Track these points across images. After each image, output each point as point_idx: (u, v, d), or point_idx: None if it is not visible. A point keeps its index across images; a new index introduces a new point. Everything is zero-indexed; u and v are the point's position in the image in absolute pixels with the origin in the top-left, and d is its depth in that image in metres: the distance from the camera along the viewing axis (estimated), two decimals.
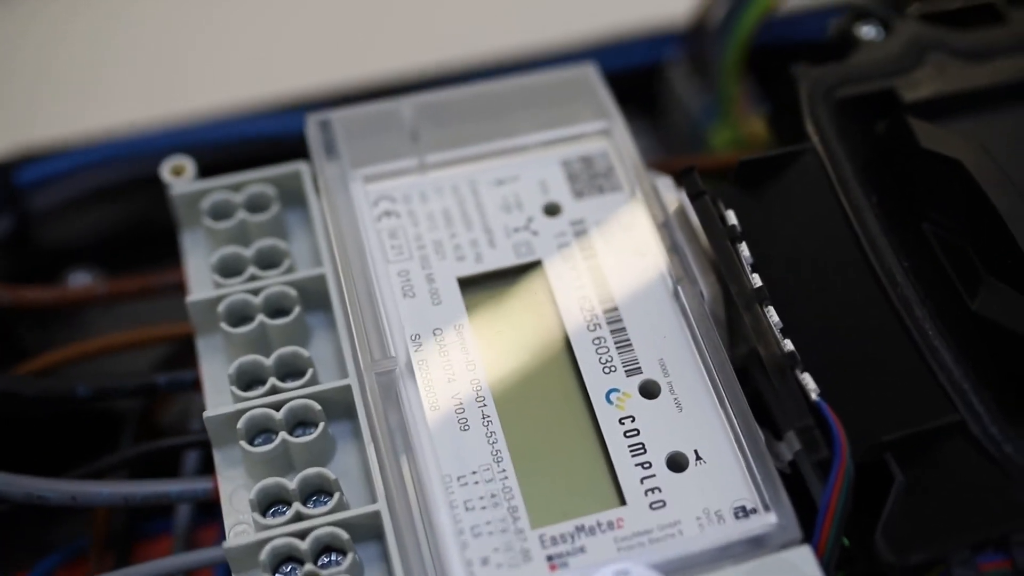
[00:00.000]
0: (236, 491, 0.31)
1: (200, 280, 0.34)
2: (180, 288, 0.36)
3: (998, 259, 0.31)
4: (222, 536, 0.34)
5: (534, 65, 0.41)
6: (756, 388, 0.32)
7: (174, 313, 0.36)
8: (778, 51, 0.42)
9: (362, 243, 0.33)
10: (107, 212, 0.43)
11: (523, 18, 0.53)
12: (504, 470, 0.30)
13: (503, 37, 0.47)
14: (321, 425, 0.31)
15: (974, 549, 0.28)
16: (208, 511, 0.36)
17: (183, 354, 0.38)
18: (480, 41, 0.47)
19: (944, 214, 0.32)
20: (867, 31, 0.36)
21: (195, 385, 0.34)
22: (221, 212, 0.34)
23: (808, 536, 0.29)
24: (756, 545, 0.28)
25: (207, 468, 0.34)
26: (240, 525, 0.31)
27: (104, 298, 0.36)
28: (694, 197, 0.32)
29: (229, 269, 0.33)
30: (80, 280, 0.42)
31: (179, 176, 0.35)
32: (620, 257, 0.33)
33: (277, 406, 0.31)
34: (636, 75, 0.47)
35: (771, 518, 0.29)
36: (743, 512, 0.29)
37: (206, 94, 0.45)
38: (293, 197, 0.35)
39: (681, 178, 0.33)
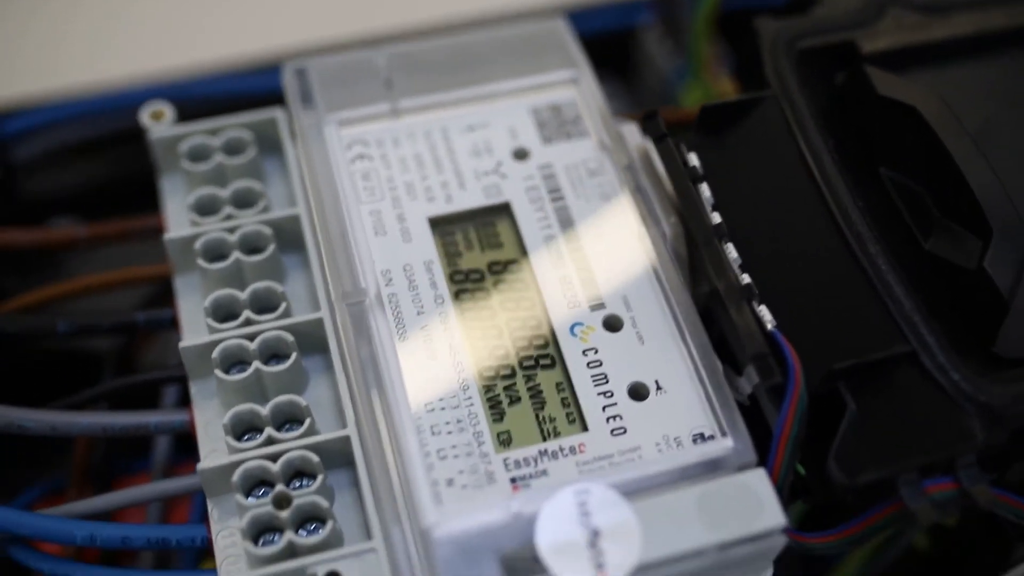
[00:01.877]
0: (211, 421, 0.32)
1: (178, 221, 0.35)
2: (159, 232, 0.37)
3: (951, 201, 0.32)
4: None
5: None
6: (719, 327, 0.33)
7: (152, 258, 0.37)
8: (746, 13, 0.44)
9: (335, 184, 0.33)
10: (88, 164, 0.44)
11: None
12: (470, 397, 0.31)
13: (478, 1, 0.48)
14: (294, 355, 0.32)
15: (922, 472, 0.29)
16: (185, 448, 0.37)
17: (162, 296, 0.40)
18: (455, 4, 0.48)
19: (900, 159, 0.34)
20: None
21: (173, 323, 0.35)
22: (199, 155, 0.35)
23: (763, 462, 0.30)
24: (712, 468, 0.29)
25: (185, 404, 0.35)
26: (214, 453, 0.32)
27: (85, 241, 0.37)
28: (657, 140, 0.33)
29: (206, 209, 0.34)
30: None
31: (158, 121, 0.36)
32: (586, 199, 0.34)
33: (251, 337, 0.32)
34: (610, 39, 0.48)
35: (727, 443, 0.30)
36: (701, 438, 0.30)
37: (186, 51, 0.46)
38: (269, 143, 0.36)
39: (643, 122, 0.34)
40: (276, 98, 0.37)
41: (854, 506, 0.30)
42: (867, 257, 0.31)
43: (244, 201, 0.35)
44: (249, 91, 0.41)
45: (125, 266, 0.38)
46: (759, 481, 0.29)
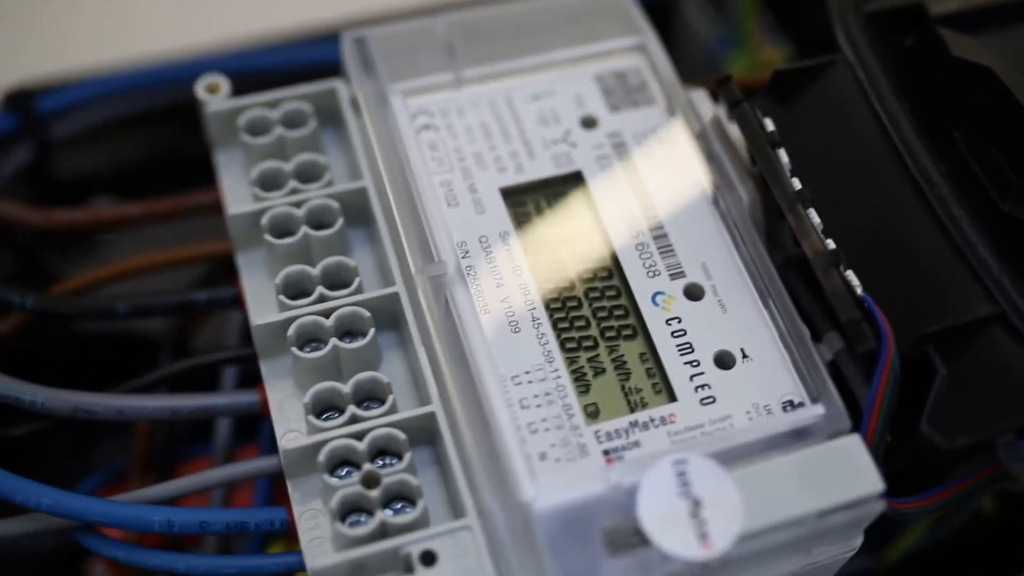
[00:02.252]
0: (285, 400, 0.31)
1: (238, 197, 0.34)
2: (212, 209, 0.36)
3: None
4: (262, 453, 0.35)
5: None
6: (793, 295, 0.32)
7: (198, 237, 0.36)
8: None
9: (404, 155, 0.33)
10: (128, 142, 0.43)
11: None
12: (556, 370, 0.30)
13: None
14: (371, 332, 0.31)
15: (1018, 434, 0.29)
16: (244, 432, 0.37)
17: (215, 276, 0.39)
18: None
19: (974, 122, 0.33)
20: None
21: (234, 302, 0.34)
22: (258, 128, 0.34)
23: (855, 428, 0.29)
24: (805, 436, 0.29)
25: (244, 385, 0.34)
26: (291, 433, 0.31)
27: (137, 219, 0.36)
28: (733, 105, 0.33)
29: (270, 183, 0.33)
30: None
31: (214, 94, 0.35)
32: (658, 167, 0.34)
33: (326, 314, 0.31)
34: (649, 7, 0.47)
35: (818, 409, 0.29)
36: (791, 406, 0.30)
37: (233, 22, 0.45)
38: (328, 115, 0.35)
39: (718, 87, 0.33)
40: (330, 71, 0.36)
41: (944, 469, 0.30)
42: (951, 220, 0.31)
43: (308, 175, 0.34)
44: (302, 63, 0.40)
45: (171, 246, 0.37)
46: (855, 447, 0.29)
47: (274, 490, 0.36)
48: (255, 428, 0.36)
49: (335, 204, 0.33)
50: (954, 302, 0.30)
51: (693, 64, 0.47)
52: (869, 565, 0.37)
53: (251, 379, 0.34)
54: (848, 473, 0.28)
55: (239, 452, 0.37)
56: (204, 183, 0.36)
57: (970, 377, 0.29)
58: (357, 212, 0.33)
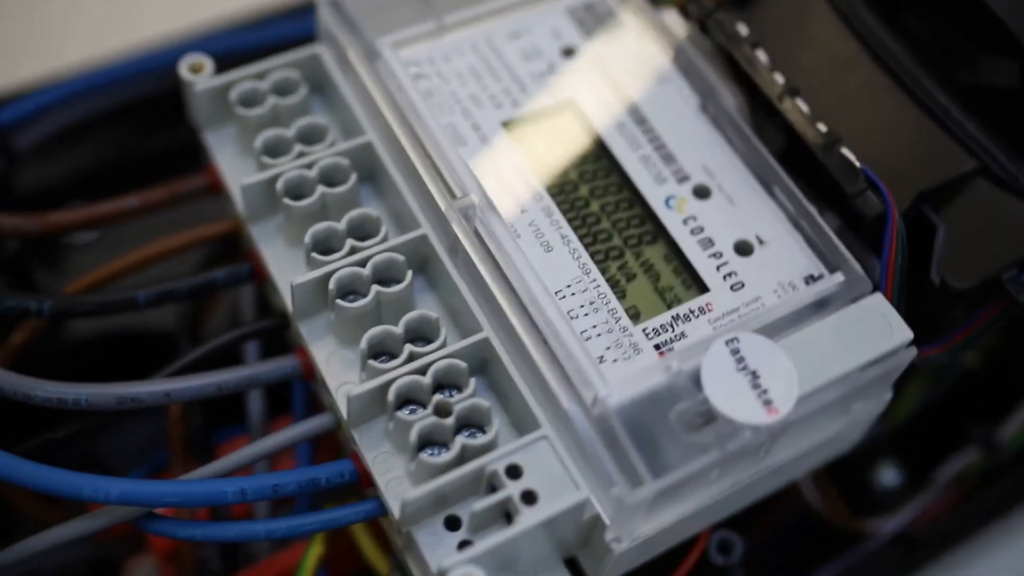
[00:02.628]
0: (331, 356, 0.32)
1: (239, 171, 0.35)
2: (206, 192, 0.36)
3: (981, 34, 0.35)
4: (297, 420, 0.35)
5: None
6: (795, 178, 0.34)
7: (182, 226, 0.36)
8: None
9: (408, 102, 0.33)
10: (90, 146, 0.42)
11: None
12: (595, 279, 0.32)
13: None
14: (409, 275, 0.32)
15: (1020, 267, 0.32)
16: (276, 406, 0.37)
17: (213, 260, 0.39)
18: None
19: (922, 6, 0.36)
20: None
21: (252, 276, 0.35)
22: (251, 100, 0.35)
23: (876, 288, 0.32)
24: (831, 303, 0.31)
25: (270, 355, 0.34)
26: (345, 385, 0.32)
27: (135, 212, 0.35)
28: (707, 16, 0.35)
29: (275, 150, 0.34)
30: None
31: (199, 73, 0.35)
32: (644, 84, 0.35)
33: (362, 263, 0.32)
34: None
35: (838, 277, 0.32)
36: (812, 279, 0.32)
37: (185, 11, 0.44)
38: (313, 82, 0.36)
39: (688, 5, 0.35)
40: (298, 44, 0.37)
41: (956, 315, 0.33)
42: (922, 91, 0.34)
43: (311, 138, 0.34)
44: (261, 44, 0.40)
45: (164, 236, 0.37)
46: (881, 304, 0.31)
47: (314, 454, 0.36)
48: (283, 403, 0.36)
49: (345, 161, 0.33)
50: (940, 162, 0.33)
51: None
52: (880, 430, 0.40)
53: (272, 351, 0.34)
54: (879, 328, 0.31)
55: (277, 423, 0.37)
56: (171, 175, 0.37)
57: (966, 226, 0.32)
58: (363, 168, 0.34)
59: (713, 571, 0.34)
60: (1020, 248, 0.32)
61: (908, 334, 0.31)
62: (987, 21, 0.34)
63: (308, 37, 0.37)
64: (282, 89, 0.35)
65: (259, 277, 0.34)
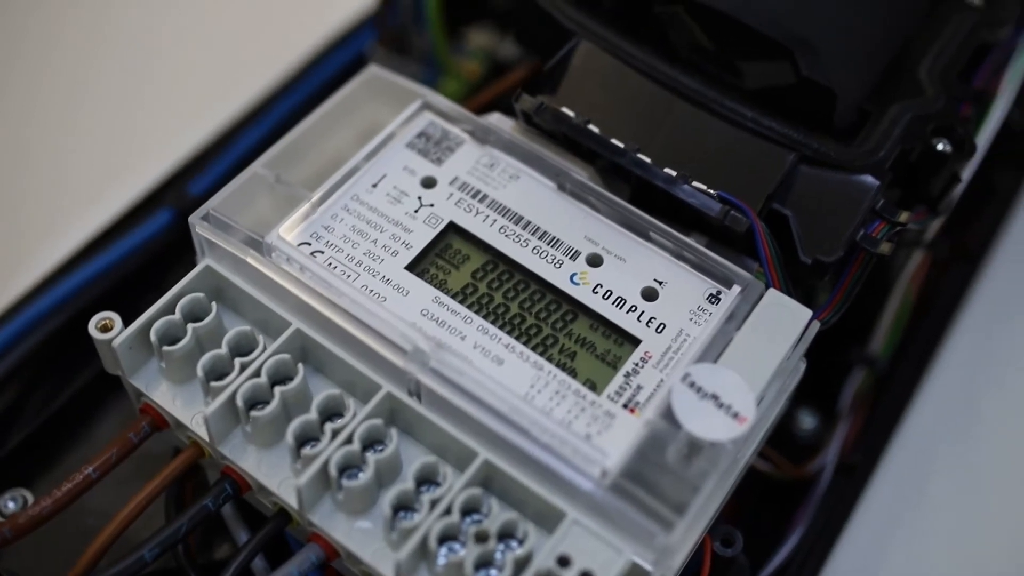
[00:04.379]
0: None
1: (183, 404, 0.36)
2: (155, 429, 0.37)
3: (751, 47, 0.41)
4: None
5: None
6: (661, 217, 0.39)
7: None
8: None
9: (319, 283, 0.36)
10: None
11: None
12: (548, 371, 0.35)
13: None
14: (393, 433, 0.34)
15: (863, 227, 0.38)
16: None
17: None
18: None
19: (694, 43, 0.42)
20: None
21: (237, 490, 0.36)
22: (172, 335, 0.36)
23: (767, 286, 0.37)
24: (740, 310, 0.36)
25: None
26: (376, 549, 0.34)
27: (97, 479, 0.36)
28: (538, 110, 0.39)
29: (218, 372, 0.35)
30: (15, 499, 0.40)
31: (109, 331, 0.36)
32: (503, 186, 0.39)
33: (348, 440, 0.34)
34: (340, 75, 0.52)
35: (735, 289, 0.37)
36: (715, 298, 0.37)
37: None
38: (216, 294, 0.37)
39: (515, 104, 0.39)
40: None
41: (832, 277, 0.39)
42: (728, 110, 0.40)
43: (244, 347, 0.36)
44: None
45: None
46: (777, 297, 0.37)
47: None
48: None
49: (288, 356, 0.35)
50: (768, 164, 0.39)
51: None
52: None
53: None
54: (784, 316, 0.36)
55: None
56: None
57: (810, 208, 0.38)
58: (301, 355, 0.36)
59: (722, 563, 0.39)
60: (857, 209, 0.38)
61: (807, 312, 0.36)
62: (755, 38, 0.40)
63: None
64: (195, 314, 0.36)
65: (244, 487, 0.36)
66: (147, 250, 0.46)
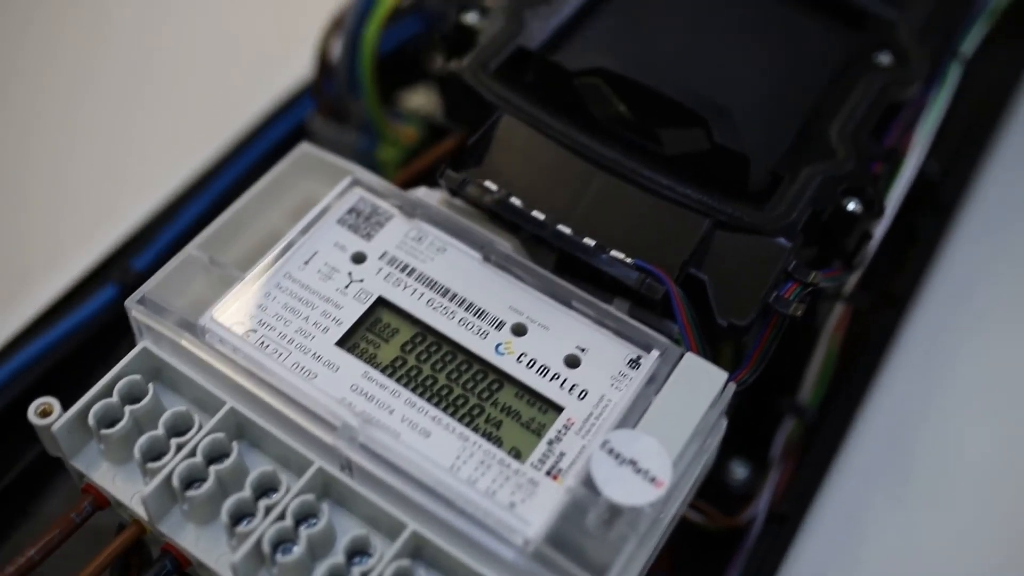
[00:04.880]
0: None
1: (122, 483, 0.37)
2: (96, 508, 0.38)
3: (662, 114, 0.42)
4: None
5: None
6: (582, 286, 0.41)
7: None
8: (393, 59, 0.52)
9: (250, 362, 0.37)
10: None
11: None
12: (474, 441, 0.37)
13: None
14: (324, 508, 0.36)
15: (775, 289, 0.39)
16: None
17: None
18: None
19: (608, 110, 0.43)
20: (471, 17, 0.46)
21: (177, 566, 0.37)
22: (110, 418, 0.37)
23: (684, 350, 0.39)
24: (658, 375, 0.38)
25: None
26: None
27: (39, 561, 0.37)
28: (461, 185, 0.40)
29: (155, 453, 0.37)
30: None
31: (48, 416, 0.37)
32: (430, 259, 0.41)
33: (281, 516, 0.35)
34: (285, 146, 0.53)
35: (655, 353, 0.38)
36: (635, 363, 0.39)
37: None
38: (152, 374, 0.39)
39: (440, 180, 0.41)
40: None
41: (748, 338, 0.40)
42: (645, 179, 0.41)
43: (180, 427, 0.37)
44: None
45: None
46: (694, 360, 0.38)
47: None
48: None
49: (223, 435, 0.37)
50: (684, 230, 0.40)
51: None
52: None
53: None
54: (702, 379, 0.38)
55: None
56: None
57: (725, 271, 0.40)
58: (236, 433, 0.38)
59: None
60: (770, 272, 0.40)
61: (723, 374, 0.38)
62: (671, 107, 0.42)
63: None
64: (132, 395, 0.38)
65: (184, 563, 0.37)
66: (91, 326, 0.47)
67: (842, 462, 0.49)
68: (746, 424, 0.48)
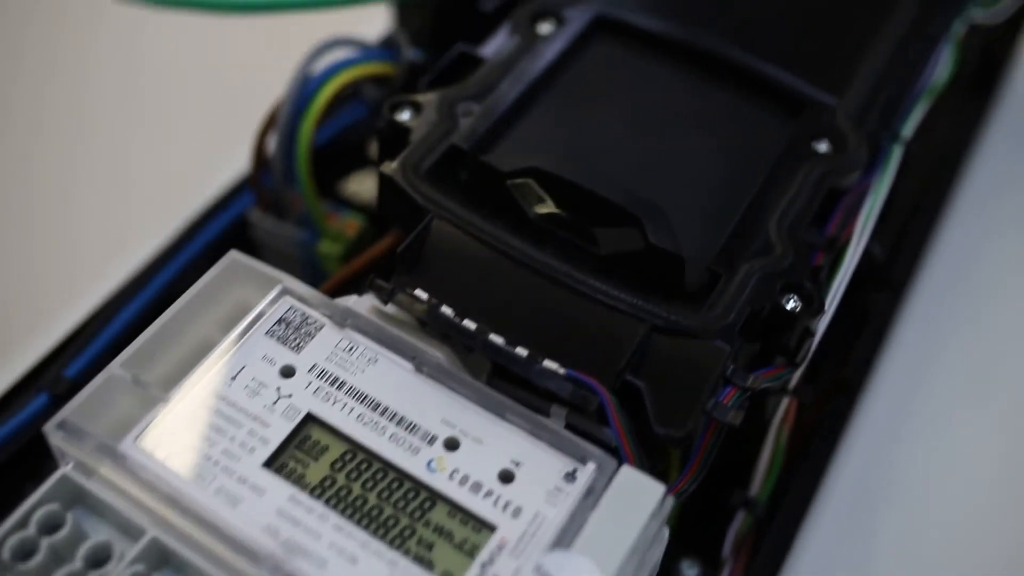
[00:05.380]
0: None
1: None
2: None
3: (598, 215, 0.42)
4: None
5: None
6: (514, 398, 0.40)
7: None
8: (334, 146, 0.52)
9: (171, 489, 0.36)
10: None
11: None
12: (403, 566, 0.35)
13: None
14: None
15: (713, 395, 0.39)
16: None
17: None
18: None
19: (541, 211, 0.42)
20: (404, 115, 0.45)
21: None
22: (25, 550, 0.36)
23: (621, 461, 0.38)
24: (595, 489, 0.37)
25: None
26: None
27: None
28: (390, 295, 0.39)
29: None
30: None
31: None
32: (360, 371, 0.40)
33: None
34: (227, 240, 0.53)
35: (591, 466, 0.37)
36: (571, 476, 0.38)
37: None
38: (72, 501, 0.37)
39: (370, 290, 0.40)
40: None
41: (686, 446, 0.39)
42: (582, 284, 0.40)
43: (99, 557, 0.36)
44: None
45: None
46: (631, 473, 0.37)
47: None
48: None
49: (141, 567, 0.35)
50: (620, 336, 0.39)
51: (295, 268, 0.53)
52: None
53: None
54: (639, 492, 0.37)
55: None
56: None
57: (660, 378, 0.39)
58: (158, 562, 0.36)
59: None
60: (708, 378, 0.39)
61: (661, 487, 0.37)
62: (604, 205, 0.41)
63: None
64: (50, 526, 0.36)
65: None
66: (22, 436, 0.46)
67: (796, 555, 0.48)
68: (696, 520, 0.47)
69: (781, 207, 0.43)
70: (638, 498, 0.37)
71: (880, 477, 0.51)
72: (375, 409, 0.39)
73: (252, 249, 0.53)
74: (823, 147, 0.46)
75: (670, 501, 0.37)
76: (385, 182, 0.43)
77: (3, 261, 0.59)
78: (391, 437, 0.38)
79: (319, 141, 0.53)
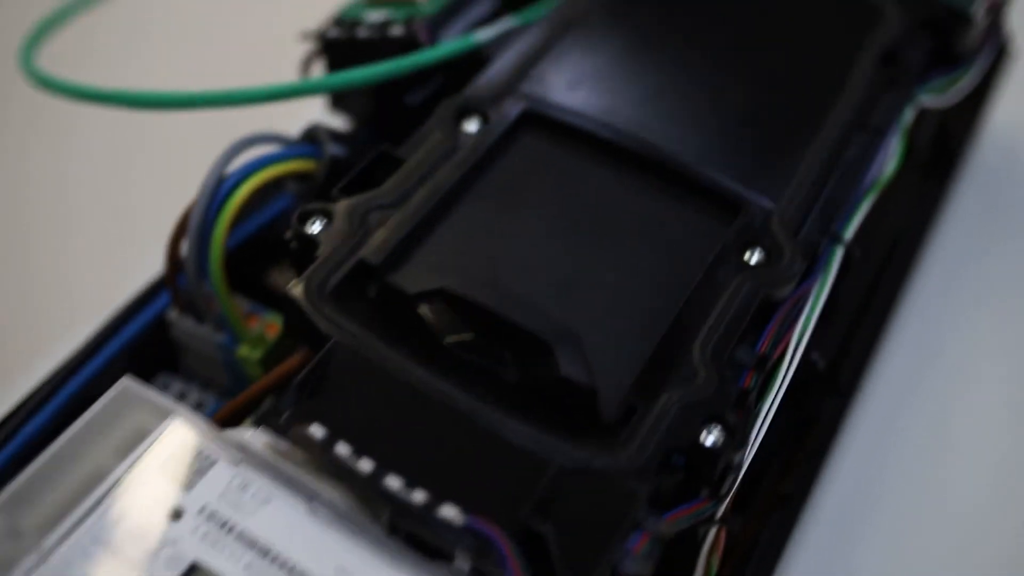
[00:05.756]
0: None
1: None
2: None
3: (508, 341, 0.40)
4: None
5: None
6: (417, 543, 0.38)
7: None
8: (258, 240, 0.49)
9: None
10: None
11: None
12: None
13: None
14: None
15: (624, 540, 0.36)
16: None
17: None
18: None
19: (450, 335, 0.40)
20: (315, 227, 0.43)
21: None
22: None
23: None
24: None
25: None
26: None
27: None
28: (283, 429, 0.37)
29: None
30: None
31: None
32: (252, 514, 0.37)
33: None
34: (146, 344, 0.50)
35: None
36: None
37: None
38: None
39: (264, 426, 0.38)
40: None
41: None
42: (487, 418, 0.38)
43: None
44: None
45: None
46: None
47: None
48: None
49: None
50: (527, 476, 0.37)
51: (217, 374, 0.51)
52: None
53: None
54: None
55: None
56: None
57: (567, 523, 0.36)
58: None
59: None
60: (618, 527, 0.36)
61: None
62: (515, 331, 0.39)
63: None
64: None
65: None
66: None
67: None
68: None
69: (707, 327, 0.41)
70: None
71: None
72: (265, 556, 0.37)
73: (174, 350, 0.51)
74: (756, 257, 0.43)
75: None
76: (289, 302, 0.41)
77: None
78: None
79: (241, 236, 0.51)
